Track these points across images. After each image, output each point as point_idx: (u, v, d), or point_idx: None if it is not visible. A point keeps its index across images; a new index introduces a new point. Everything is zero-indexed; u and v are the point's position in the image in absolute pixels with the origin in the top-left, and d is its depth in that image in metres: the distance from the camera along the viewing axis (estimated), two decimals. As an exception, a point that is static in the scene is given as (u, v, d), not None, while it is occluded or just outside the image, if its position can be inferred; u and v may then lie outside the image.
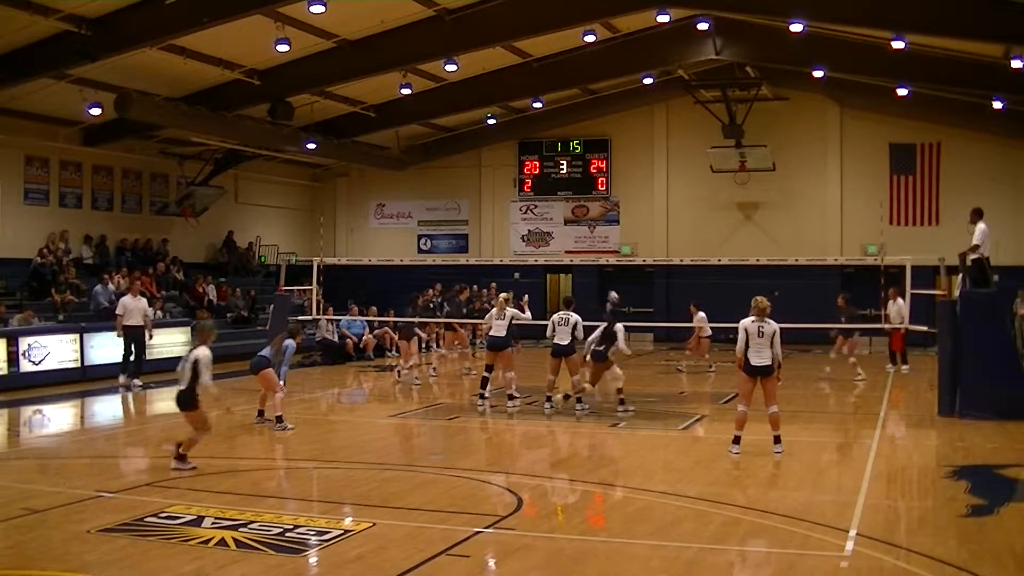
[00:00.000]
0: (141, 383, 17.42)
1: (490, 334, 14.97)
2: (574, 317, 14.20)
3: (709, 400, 16.32)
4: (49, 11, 16.82)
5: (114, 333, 17.36)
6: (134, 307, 17.60)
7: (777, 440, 11.01)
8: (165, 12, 17.20)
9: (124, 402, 16.69)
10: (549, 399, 14.37)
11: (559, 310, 14.92)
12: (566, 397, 14.22)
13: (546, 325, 14.79)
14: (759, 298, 11.11)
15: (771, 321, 10.97)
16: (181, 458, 10.21)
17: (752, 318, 10.98)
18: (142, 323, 17.63)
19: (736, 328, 11.14)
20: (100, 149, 24.34)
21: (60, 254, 22.41)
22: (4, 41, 17.89)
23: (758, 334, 10.86)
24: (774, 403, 11.01)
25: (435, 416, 14.70)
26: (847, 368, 19.25)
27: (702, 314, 19.96)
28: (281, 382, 13.20)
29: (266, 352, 13.16)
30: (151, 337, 18.13)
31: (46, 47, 18.11)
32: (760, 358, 10.85)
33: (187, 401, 10.38)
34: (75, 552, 7.28)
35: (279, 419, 12.71)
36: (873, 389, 17.86)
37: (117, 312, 17.65)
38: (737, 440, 11.05)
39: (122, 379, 17.37)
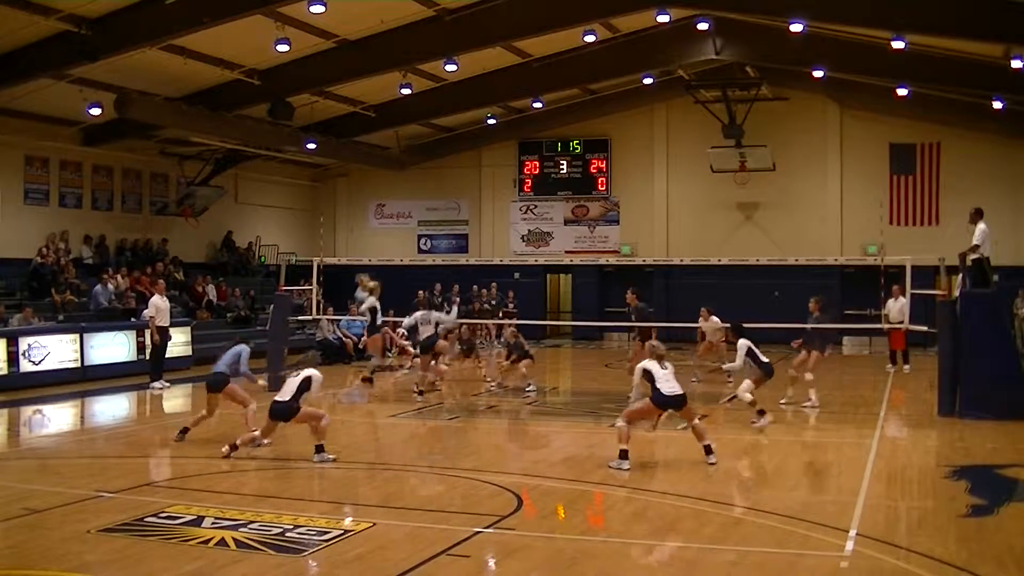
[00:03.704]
0: (168, 383, 17.75)
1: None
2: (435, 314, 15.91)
3: (709, 400, 16.29)
4: (49, 11, 16.82)
5: (113, 333, 17.41)
6: (165, 307, 17.87)
7: (708, 450, 10.66)
8: (165, 12, 17.19)
9: (125, 402, 16.71)
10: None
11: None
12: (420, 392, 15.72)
13: (546, 326, 14.89)
14: (656, 344, 11.02)
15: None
16: (319, 449, 10.73)
17: (650, 361, 10.72)
18: (168, 324, 18.02)
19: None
20: (100, 149, 24.34)
21: (60, 254, 22.40)
22: (4, 41, 17.89)
23: (661, 368, 10.65)
24: (695, 419, 10.85)
25: (435, 416, 14.70)
26: (799, 387, 15.64)
27: (716, 319, 18.66)
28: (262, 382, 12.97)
29: (222, 367, 12.28)
30: (171, 338, 18.46)
31: (46, 47, 18.10)
32: (673, 388, 10.57)
33: (290, 412, 10.69)
34: (75, 552, 7.28)
35: (253, 439, 11.46)
36: (873, 389, 17.85)
37: (149, 314, 17.83)
38: (624, 455, 10.48)
39: (158, 384, 17.53)
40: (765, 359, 13.50)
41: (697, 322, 19.61)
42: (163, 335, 17.94)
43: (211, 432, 13.57)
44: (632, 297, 17.28)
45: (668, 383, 10.58)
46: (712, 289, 25.60)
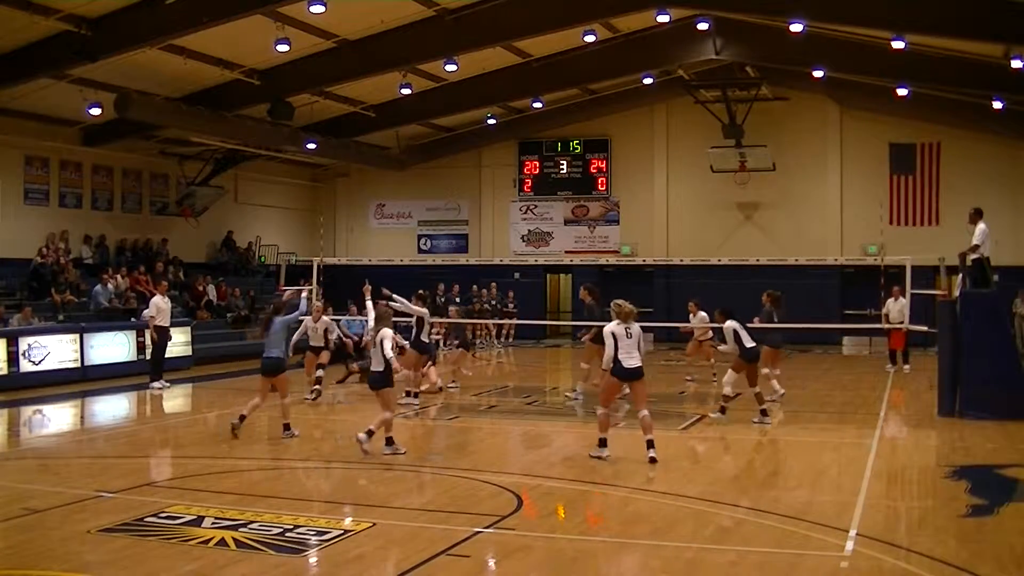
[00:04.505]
0: (168, 383, 17.77)
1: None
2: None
3: (709, 400, 16.29)
4: (49, 11, 16.81)
5: (113, 333, 17.42)
6: (166, 308, 17.90)
7: (650, 445, 10.60)
8: (165, 12, 17.19)
9: (125, 402, 16.71)
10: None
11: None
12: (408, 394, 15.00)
13: (546, 326, 14.86)
14: (622, 302, 11.01)
15: (636, 324, 10.92)
16: (389, 441, 10.99)
17: (617, 322, 10.83)
18: (168, 324, 17.99)
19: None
20: (100, 149, 24.33)
21: (60, 254, 22.40)
22: (4, 41, 17.89)
23: (626, 336, 10.72)
24: (645, 407, 10.79)
25: (435, 416, 14.70)
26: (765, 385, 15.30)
27: (703, 314, 18.01)
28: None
29: (277, 352, 12.46)
30: (171, 338, 18.42)
31: (46, 47, 18.10)
32: (632, 359, 10.63)
33: (385, 381, 11.01)
34: (75, 552, 7.28)
35: (286, 427, 12.33)
36: (873, 389, 17.85)
37: (150, 314, 17.83)
38: (603, 443, 10.79)
39: (158, 384, 17.51)
40: (750, 344, 13.57)
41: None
42: (163, 335, 17.96)
43: (211, 432, 13.59)
44: (585, 293, 16.62)
45: (629, 355, 10.60)
46: (712, 289, 25.60)
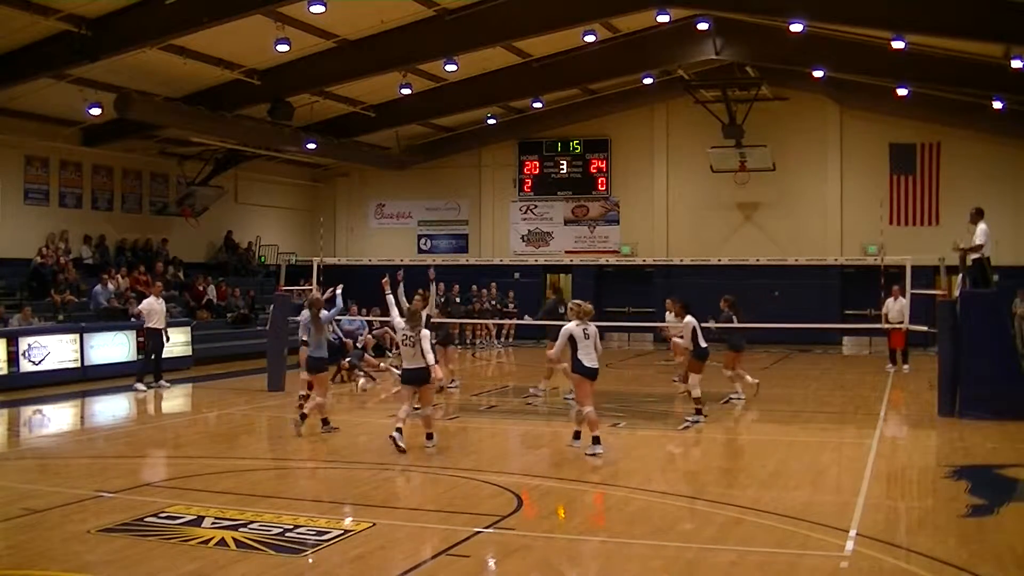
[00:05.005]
0: (168, 383, 17.78)
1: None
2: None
3: (709, 400, 16.29)
4: (49, 11, 16.81)
5: (113, 333, 17.40)
6: (160, 309, 17.81)
7: (596, 441, 10.94)
8: (165, 12, 17.17)
9: (125, 402, 16.70)
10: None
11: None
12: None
13: (545, 326, 14.84)
14: (580, 302, 11.45)
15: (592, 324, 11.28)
16: (429, 437, 11.28)
17: (576, 322, 11.17)
18: (163, 325, 17.88)
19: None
20: (100, 149, 24.33)
21: (60, 254, 22.40)
22: (4, 41, 17.88)
23: (584, 336, 11.09)
24: (588, 404, 11.14)
25: (435, 416, 14.66)
26: (747, 387, 15.92)
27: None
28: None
29: (321, 351, 12.79)
30: (168, 339, 18.35)
31: (46, 47, 18.09)
32: (591, 360, 11.07)
33: (426, 377, 11.29)
34: (75, 552, 7.28)
35: (325, 422, 12.73)
36: (873, 389, 17.85)
37: (142, 310, 17.81)
38: (597, 440, 10.97)
39: (140, 385, 17.44)
40: (704, 344, 13.73)
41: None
42: (155, 337, 17.73)
43: (212, 431, 13.60)
44: (550, 292, 16.97)
45: (588, 355, 11.05)
46: (712, 289, 25.58)
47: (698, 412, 13.55)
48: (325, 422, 12.69)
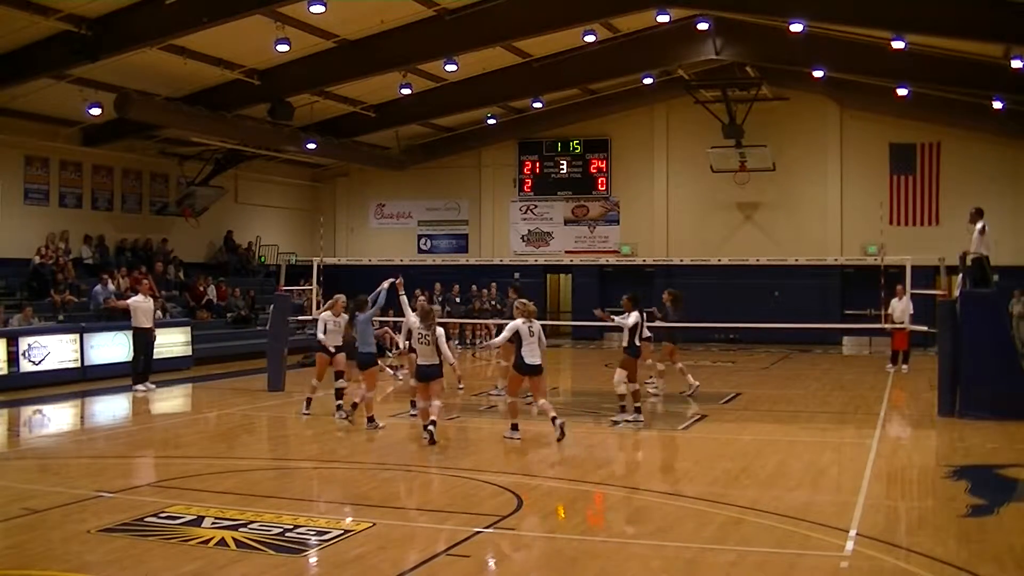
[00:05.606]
0: (154, 385, 17.61)
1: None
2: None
3: (709, 400, 16.30)
4: (49, 11, 16.81)
5: (113, 333, 17.33)
6: (148, 308, 17.72)
7: (555, 421, 11.77)
8: (165, 12, 17.19)
9: (125, 402, 16.70)
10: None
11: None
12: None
13: (546, 325, 14.79)
14: (526, 301, 12.42)
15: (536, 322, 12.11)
16: (432, 424, 11.59)
17: (522, 320, 12.01)
18: (151, 325, 17.78)
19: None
20: (100, 149, 24.32)
21: (60, 254, 22.39)
22: (4, 41, 17.88)
23: (529, 334, 11.92)
24: (544, 397, 12.12)
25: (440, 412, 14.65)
26: (681, 379, 16.53)
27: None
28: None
29: (370, 347, 13.02)
30: (154, 339, 18.22)
31: (46, 47, 18.09)
32: (533, 357, 11.87)
33: (438, 372, 11.84)
34: (75, 552, 7.28)
35: (371, 419, 12.92)
36: (873, 389, 17.84)
37: (129, 305, 17.80)
38: (515, 427, 11.91)
39: (140, 387, 17.36)
40: (638, 343, 13.78)
41: (698, 323, 19.54)
42: (143, 337, 17.59)
43: (212, 431, 13.60)
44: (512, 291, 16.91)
45: (531, 352, 11.87)
46: (712, 289, 25.63)
47: (622, 410, 13.47)
48: (371, 419, 12.89)
